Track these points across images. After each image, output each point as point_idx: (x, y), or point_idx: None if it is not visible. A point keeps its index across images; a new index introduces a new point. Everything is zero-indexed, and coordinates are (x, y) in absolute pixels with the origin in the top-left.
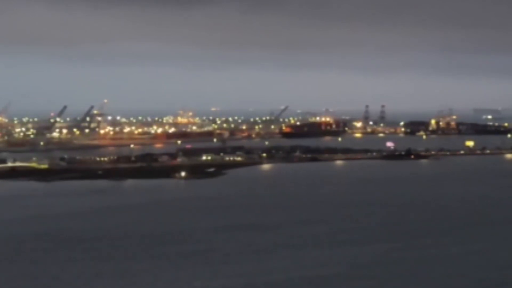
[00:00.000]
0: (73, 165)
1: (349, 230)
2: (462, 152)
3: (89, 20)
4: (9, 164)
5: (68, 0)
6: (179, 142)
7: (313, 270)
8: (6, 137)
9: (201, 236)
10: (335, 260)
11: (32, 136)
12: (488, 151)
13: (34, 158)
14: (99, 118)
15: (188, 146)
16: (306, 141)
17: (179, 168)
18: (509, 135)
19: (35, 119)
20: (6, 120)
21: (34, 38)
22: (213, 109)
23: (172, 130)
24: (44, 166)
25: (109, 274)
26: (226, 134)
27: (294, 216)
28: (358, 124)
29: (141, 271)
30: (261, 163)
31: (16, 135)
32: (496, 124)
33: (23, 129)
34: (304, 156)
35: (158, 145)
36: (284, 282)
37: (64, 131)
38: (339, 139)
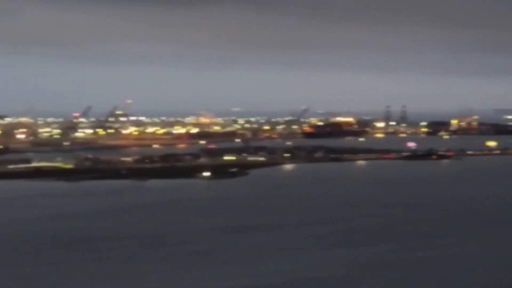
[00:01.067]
0: (97, 165)
1: (363, 230)
2: (483, 152)
3: (107, 21)
4: (35, 164)
5: (84, 1)
6: (201, 142)
7: (321, 271)
8: (31, 137)
9: (213, 236)
10: (346, 261)
11: (56, 136)
12: (506, 152)
13: (59, 158)
14: (122, 118)
15: (211, 146)
16: (328, 141)
17: (201, 168)
18: None
19: (59, 119)
20: (32, 121)
21: (53, 39)
22: (234, 109)
23: (194, 130)
24: (69, 166)
25: (120, 274)
26: (249, 134)
27: (310, 216)
28: (379, 125)
29: (150, 271)
30: (283, 163)
31: (40, 135)
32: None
33: (48, 129)
34: (325, 156)
35: (181, 145)
36: (291, 283)
37: (88, 131)
38: (361, 139)
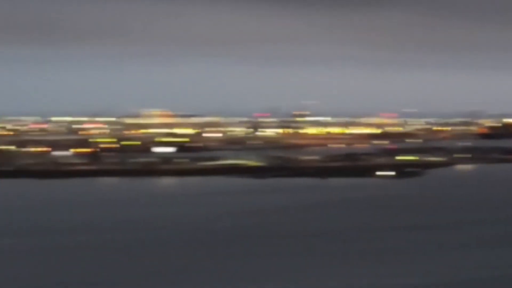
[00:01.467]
0: (285, 163)
1: None
2: None
3: (282, 24)
4: (225, 161)
5: (265, 3)
6: (380, 142)
7: (497, 270)
8: (222, 136)
9: (387, 234)
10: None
11: (243, 134)
12: None
13: (251, 156)
14: (305, 118)
15: (390, 146)
16: (503, 142)
17: (380, 167)
18: None
19: (245, 119)
20: (221, 120)
21: (233, 40)
22: (409, 110)
23: (373, 130)
24: (261, 164)
25: (291, 269)
26: (426, 134)
27: (483, 216)
28: None
29: (321, 267)
30: (459, 163)
31: (229, 133)
32: None
33: (235, 128)
34: (501, 157)
35: (361, 145)
36: (467, 282)
37: (273, 130)
38: None
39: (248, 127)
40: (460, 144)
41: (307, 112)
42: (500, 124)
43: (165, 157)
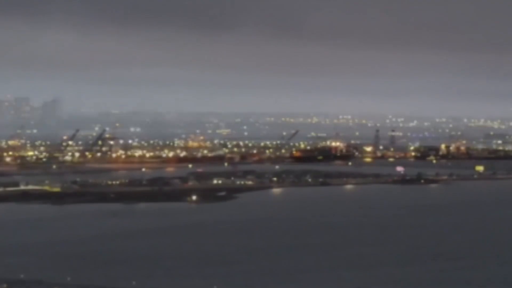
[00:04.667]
0: (85, 188)
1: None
2: (473, 176)
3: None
4: (22, 187)
5: None
6: (190, 166)
7: None
8: (19, 160)
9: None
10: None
11: (44, 159)
12: (498, 176)
13: (46, 181)
14: (111, 142)
15: (199, 170)
16: (317, 165)
17: (190, 191)
18: None
19: (47, 142)
20: (19, 144)
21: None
22: (223, 132)
23: (183, 154)
24: (57, 189)
25: None
26: (237, 158)
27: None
28: (369, 149)
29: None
30: (272, 187)
31: (28, 158)
32: (506, 149)
33: (36, 152)
34: (314, 180)
35: (170, 169)
36: None
37: (77, 154)
38: (350, 163)
39: (49, 151)
40: (273, 167)
41: (113, 136)
42: (313, 147)
43: None
